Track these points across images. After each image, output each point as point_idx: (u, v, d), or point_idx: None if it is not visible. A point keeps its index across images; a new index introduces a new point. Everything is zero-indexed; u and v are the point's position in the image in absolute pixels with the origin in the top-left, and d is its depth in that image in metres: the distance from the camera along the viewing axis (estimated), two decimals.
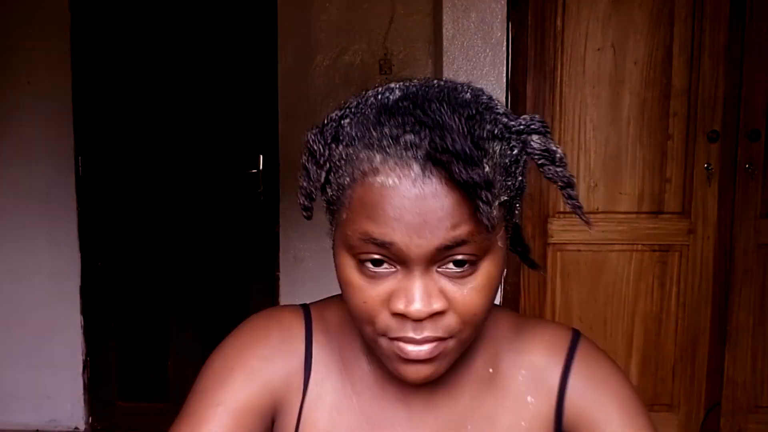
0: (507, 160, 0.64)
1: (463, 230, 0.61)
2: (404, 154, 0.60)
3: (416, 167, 0.60)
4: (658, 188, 2.80)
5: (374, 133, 0.62)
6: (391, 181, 0.61)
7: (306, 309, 0.81)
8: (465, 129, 0.60)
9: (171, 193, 3.05)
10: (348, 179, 0.64)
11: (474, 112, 0.62)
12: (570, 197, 0.66)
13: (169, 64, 3.01)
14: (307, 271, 3.02)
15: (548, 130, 0.67)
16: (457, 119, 0.60)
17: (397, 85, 0.67)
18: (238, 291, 3.10)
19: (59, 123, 3.02)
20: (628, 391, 0.76)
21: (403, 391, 0.75)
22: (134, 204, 3.07)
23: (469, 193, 0.59)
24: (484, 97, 0.67)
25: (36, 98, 3.02)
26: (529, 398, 0.75)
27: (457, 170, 0.58)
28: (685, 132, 2.77)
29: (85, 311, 3.10)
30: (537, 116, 0.67)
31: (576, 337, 0.78)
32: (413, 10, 2.93)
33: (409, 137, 0.60)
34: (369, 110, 0.65)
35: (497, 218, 0.63)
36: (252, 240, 3.07)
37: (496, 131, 0.63)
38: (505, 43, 2.68)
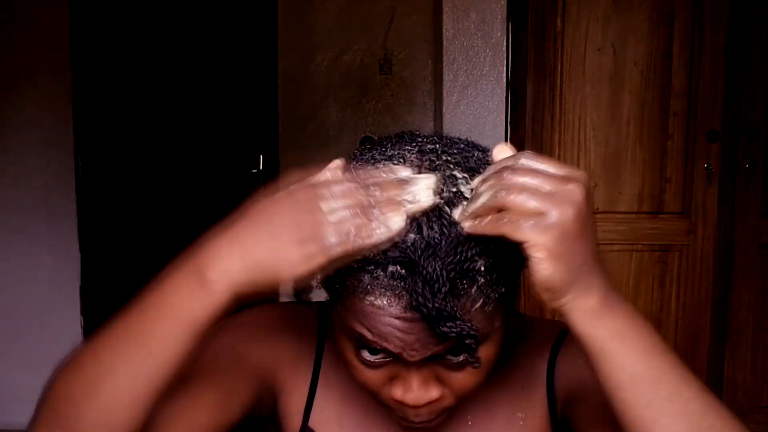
0: (507, 270, 0.61)
1: (451, 343, 0.61)
2: (392, 283, 0.59)
3: (406, 297, 0.58)
4: (658, 188, 2.80)
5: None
6: (380, 303, 0.59)
7: (321, 305, 0.82)
8: (443, 277, 0.56)
9: (171, 193, 3.05)
10: (339, 280, 0.61)
11: (451, 236, 0.58)
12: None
13: (169, 64, 3.01)
14: None
15: None
16: (434, 263, 0.56)
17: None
18: None
19: (59, 123, 3.02)
20: None
21: None
22: (134, 204, 3.07)
23: (446, 339, 0.59)
24: (477, 170, 0.62)
25: (36, 98, 3.01)
26: (522, 388, 0.77)
27: (436, 328, 0.57)
28: (685, 132, 2.77)
29: (85, 311, 3.09)
30: None
31: (565, 331, 0.79)
32: (413, 10, 2.93)
33: (394, 268, 0.58)
34: None
35: (491, 314, 0.62)
36: None
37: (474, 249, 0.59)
38: (505, 43, 2.68)
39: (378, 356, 0.64)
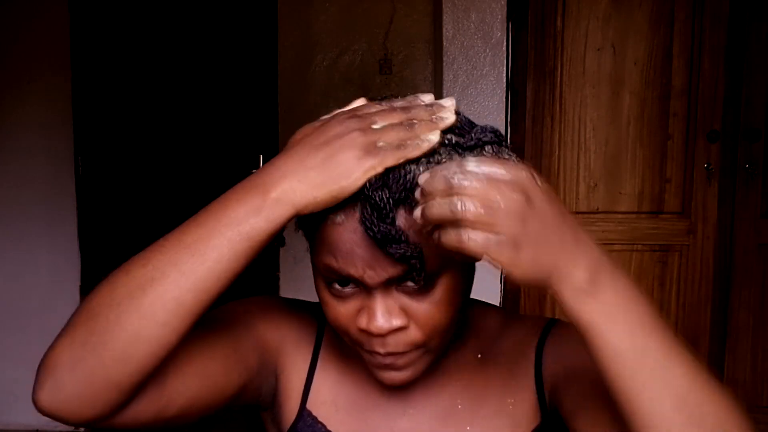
0: None
1: (404, 267, 0.65)
2: (352, 209, 0.65)
3: (360, 209, 0.64)
4: (658, 188, 2.80)
5: None
6: (339, 219, 0.65)
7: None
8: (392, 208, 0.63)
9: (171, 193, 3.06)
10: (310, 220, 0.68)
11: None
12: None
13: (169, 65, 3.01)
14: (307, 271, 2.98)
15: (501, 138, 0.68)
16: (381, 194, 0.62)
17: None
18: (238, 291, 3.09)
19: (59, 123, 3.02)
20: None
21: None
22: (134, 204, 3.07)
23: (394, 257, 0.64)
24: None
25: (36, 98, 3.02)
26: (511, 375, 0.80)
27: (385, 251, 0.63)
28: (685, 132, 2.77)
29: None
30: (490, 126, 0.68)
31: (552, 322, 0.82)
32: (413, 10, 2.93)
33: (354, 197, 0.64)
34: None
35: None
36: None
37: (438, 158, 0.64)
38: (505, 43, 2.68)
39: (347, 287, 0.69)
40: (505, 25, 2.68)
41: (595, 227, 2.79)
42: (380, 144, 0.63)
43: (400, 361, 0.71)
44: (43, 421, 3.38)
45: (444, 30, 2.68)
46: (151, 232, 2.85)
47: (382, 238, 0.63)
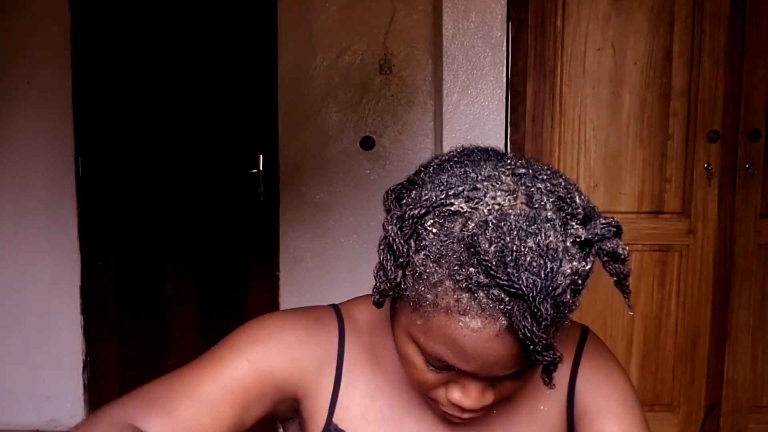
0: (580, 281, 0.64)
1: (525, 362, 0.66)
2: (492, 305, 0.61)
3: (503, 321, 0.61)
4: (658, 188, 2.80)
5: (462, 271, 0.61)
6: (475, 325, 0.62)
7: (336, 308, 0.85)
8: (548, 311, 0.60)
9: (171, 193, 3.05)
10: (430, 297, 0.64)
11: (560, 252, 0.62)
12: (623, 288, 0.68)
13: (169, 64, 3.01)
14: (307, 271, 3.01)
15: (621, 232, 0.67)
16: (542, 298, 0.60)
17: (477, 182, 0.65)
18: (238, 291, 3.10)
19: (59, 123, 3.02)
20: (628, 388, 0.82)
21: None
22: (134, 204, 3.07)
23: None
24: (565, 199, 0.65)
25: (36, 98, 3.01)
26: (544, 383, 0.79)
27: (533, 355, 0.62)
28: (685, 132, 2.77)
29: (85, 311, 3.10)
30: (613, 220, 0.66)
31: (585, 333, 0.85)
32: (413, 10, 2.93)
33: (497, 292, 0.61)
34: (452, 228, 0.63)
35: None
36: (252, 240, 3.07)
37: (574, 268, 0.63)
38: (505, 43, 2.68)
39: (443, 363, 0.67)
40: (505, 25, 2.68)
41: None
42: None
43: (471, 421, 0.73)
44: (43, 421, 3.39)
45: (444, 30, 2.67)
46: (151, 231, 2.87)
47: (542, 348, 0.61)
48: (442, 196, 0.64)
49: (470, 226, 0.62)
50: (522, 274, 0.60)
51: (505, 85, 2.70)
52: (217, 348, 0.79)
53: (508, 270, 0.60)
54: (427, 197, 0.64)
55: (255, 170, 3.02)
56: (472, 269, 0.61)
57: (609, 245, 0.65)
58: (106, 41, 3.02)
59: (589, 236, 0.64)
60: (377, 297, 0.68)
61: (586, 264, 0.64)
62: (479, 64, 2.69)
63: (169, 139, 3.04)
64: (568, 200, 0.64)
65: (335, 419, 0.79)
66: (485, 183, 0.64)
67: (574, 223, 0.64)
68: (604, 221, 0.65)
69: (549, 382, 0.64)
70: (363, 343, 0.82)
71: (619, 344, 2.84)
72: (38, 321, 3.08)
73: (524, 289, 0.59)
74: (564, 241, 0.62)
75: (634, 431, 0.79)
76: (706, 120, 2.75)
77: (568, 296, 0.62)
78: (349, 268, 2.98)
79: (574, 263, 0.63)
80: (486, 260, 0.60)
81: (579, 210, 0.65)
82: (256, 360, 0.77)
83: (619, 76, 2.76)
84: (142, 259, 3.10)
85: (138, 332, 3.13)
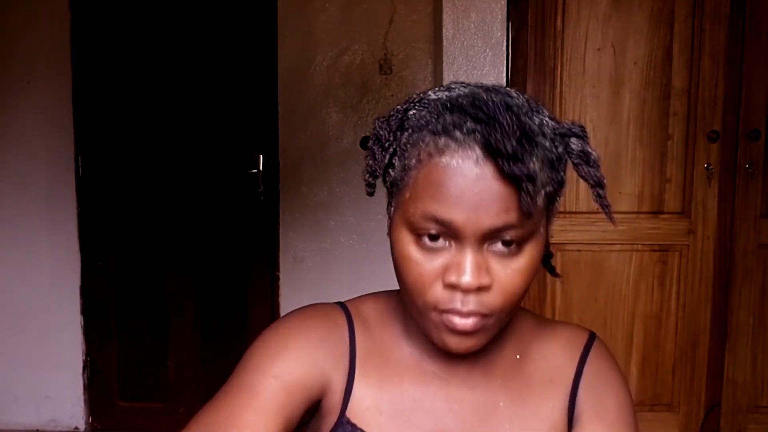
0: (552, 156, 0.72)
1: (512, 215, 0.69)
2: (466, 138, 0.68)
3: (477, 150, 0.68)
4: (658, 188, 2.80)
5: (439, 121, 0.70)
6: (454, 162, 0.68)
7: (342, 305, 0.87)
8: (515, 126, 0.68)
9: (171, 193, 3.05)
10: (414, 161, 0.72)
11: (525, 110, 0.71)
12: (599, 196, 0.76)
13: (169, 64, 3.01)
14: (307, 271, 3.01)
15: (586, 134, 0.76)
16: (509, 116, 0.68)
17: (457, 85, 0.76)
18: (238, 291, 3.10)
19: (59, 123, 3.02)
20: (626, 399, 0.84)
21: (442, 369, 0.82)
22: (134, 204, 3.07)
23: (515, 184, 0.68)
24: (534, 102, 0.75)
25: (36, 98, 3.01)
26: (551, 381, 0.83)
27: (503, 165, 0.67)
28: (685, 132, 2.77)
29: (85, 311, 3.10)
30: (578, 122, 0.75)
31: (591, 338, 0.87)
32: (413, 10, 2.93)
33: (470, 125, 0.68)
34: (432, 104, 0.74)
35: (540, 207, 0.72)
36: (252, 240, 3.07)
37: (543, 130, 0.72)
38: (505, 43, 2.68)
39: (437, 241, 0.71)
40: (505, 25, 2.68)
41: (595, 227, 2.79)
42: None
43: (472, 321, 0.73)
44: (43, 421, 3.39)
45: (444, 30, 2.68)
46: (151, 231, 2.87)
47: (511, 154, 0.66)
48: (423, 94, 0.77)
49: (448, 96, 0.73)
50: (489, 104, 0.69)
51: (505, 85, 2.70)
52: (241, 374, 0.78)
53: (478, 104, 0.69)
54: (410, 98, 0.77)
55: (255, 170, 3.02)
56: (447, 116, 0.70)
57: (577, 143, 0.74)
58: (106, 41, 3.02)
59: (558, 126, 0.73)
60: (368, 177, 0.77)
61: (556, 145, 0.72)
62: (479, 64, 2.69)
63: (169, 139, 3.04)
64: (540, 106, 0.75)
65: (348, 413, 0.80)
66: (462, 87, 0.75)
67: (544, 117, 0.74)
68: (570, 122, 0.75)
69: (527, 204, 0.68)
70: (372, 336, 0.84)
71: (619, 344, 2.84)
72: (38, 321, 3.08)
73: (491, 109, 0.68)
74: (532, 119, 0.72)
75: None
76: (706, 120, 2.75)
77: (536, 127, 0.70)
78: (349, 268, 2.99)
79: (546, 121, 0.73)
80: (459, 104, 0.70)
81: (547, 112, 0.74)
82: (281, 375, 0.77)
83: (619, 76, 2.77)
84: (142, 259, 3.10)
85: (138, 332, 3.13)
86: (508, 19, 2.68)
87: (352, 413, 0.80)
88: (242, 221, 3.06)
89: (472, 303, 0.72)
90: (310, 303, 0.87)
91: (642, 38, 2.75)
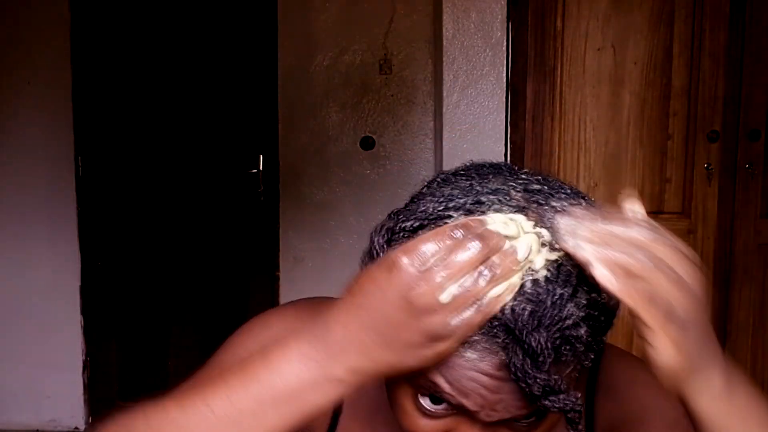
0: (596, 313, 0.57)
1: (533, 407, 0.57)
2: (491, 340, 0.55)
3: (502, 355, 0.54)
4: (658, 188, 2.80)
5: None
6: (471, 356, 0.55)
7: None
8: (546, 351, 0.53)
9: (171, 193, 3.05)
10: None
11: (567, 296, 0.55)
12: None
13: (169, 64, 3.01)
14: (307, 271, 3.01)
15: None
16: (538, 335, 0.53)
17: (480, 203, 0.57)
18: (238, 291, 3.10)
19: (59, 123, 3.02)
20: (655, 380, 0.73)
21: None
22: (134, 204, 3.07)
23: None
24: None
25: (36, 98, 3.01)
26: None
27: (537, 401, 0.55)
28: (685, 132, 2.77)
29: (85, 311, 3.09)
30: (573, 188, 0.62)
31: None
32: (413, 10, 2.93)
33: (492, 322, 0.54)
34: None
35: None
36: (252, 240, 3.07)
37: (587, 325, 0.56)
38: (505, 43, 2.68)
39: (440, 406, 0.59)
40: (505, 25, 2.67)
41: None
42: (453, 320, 0.52)
43: None
44: (43, 421, 3.38)
45: (444, 30, 2.67)
46: (151, 231, 2.88)
47: (542, 392, 0.53)
48: (440, 208, 0.57)
49: None
50: (519, 316, 0.53)
51: (505, 85, 2.70)
52: (219, 352, 0.75)
53: (505, 314, 0.53)
54: (423, 209, 0.58)
55: (255, 170, 3.02)
56: None
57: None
58: (106, 41, 3.02)
59: (601, 300, 0.57)
60: None
61: (601, 296, 0.57)
62: (479, 64, 2.69)
63: (169, 139, 3.04)
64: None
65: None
66: (491, 197, 0.57)
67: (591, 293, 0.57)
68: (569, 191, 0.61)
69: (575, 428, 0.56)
70: None
71: (619, 344, 2.82)
72: (38, 321, 3.08)
73: (511, 318, 0.53)
74: (572, 313, 0.55)
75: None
76: (706, 120, 2.75)
77: (578, 331, 0.54)
78: (349, 268, 2.97)
79: (585, 294, 0.56)
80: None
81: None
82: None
83: (619, 76, 2.76)
84: (142, 259, 3.10)
85: (138, 332, 3.13)
86: (508, 19, 2.68)
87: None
88: (242, 221, 3.06)
89: None
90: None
91: (642, 38, 2.75)
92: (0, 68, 3.01)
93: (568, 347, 0.55)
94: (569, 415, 0.55)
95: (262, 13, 2.97)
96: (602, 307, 0.57)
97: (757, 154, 2.76)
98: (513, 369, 0.53)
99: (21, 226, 3.06)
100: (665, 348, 0.55)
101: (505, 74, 2.69)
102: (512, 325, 0.53)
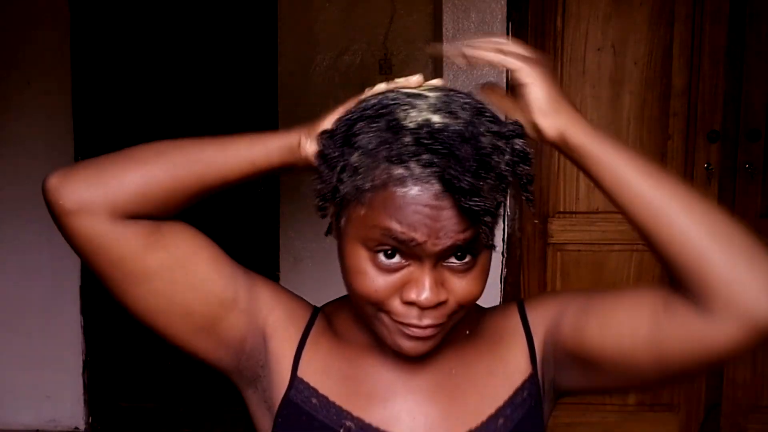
0: (503, 168, 0.71)
1: (469, 233, 0.70)
2: (423, 171, 0.68)
3: (436, 185, 0.68)
4: None
5: (393, 147, 0.69)
6: (414, 192, 0.68)
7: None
8: (472, 159, 0.68)
9: None
10: (368, 184, 0.70)
11: (475, 124, 0.71)
12: (528, 195, 0.76)
13: (169, 64, 3.02)
14: (307, 271, 3.01)
15: (524, 131, 0.76)
16: (465, 147, 0.68)
17: (397, 94, 0.74)
18: None
19: (59, 123, 3.02)
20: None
21: (395, 352, 0.82)
22: None
23: (473, 219, 0.69)
24: (475, 101, 0.75)
25: (36, 98, 3.01)
26: (500, 338, 0.86)
27: (462, 201, 0.67)
28: (685, 132, 2.77)
29: (85, 311, 3.10)
30: (516, 120, 0.76)
31: (520, 301, 0.90)
32: (413, 10, 2.93)
33: (427, 156, 0.68)
34: (379, 120, 0.71)
35: (495, 224, 0.72)
36: (252, 240, 3.08)
37: (495, 143, 0.71)
38: None
39: (394, 260, 0.72)
40: (505, 25, 2.68)
41: (595, 227, 2.79)
42: None
43: (429, 331, 0.74)
44: (43, 421, 3.37)
45: (444, 30, 2.68)
46: None
47: (469, 189, 0.66)
48: (364, 103, 0.75)
49: (393, 116, 0.71)
50: (443, 133, 0.68)
51: (505, 85, 2.70)
52: None
53: (434, 133, 0.68)
54: (356, 108, 0.75)
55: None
56: (401, 146, 0.68)
57: (520, 143, 0.73)
58: (105, 42, 3.03)
59: (504, 131, 0.73)
60: (318, 201, 0.78)
61: (504, 154, 0.71)
62: (479, 64, 2.68)
63: (168, 139, 3.04)
64: (482, 106, 0.74)
65: (299, 372, 0.82)
66: (404, 96, 0.74)
67: (489, 122, 0.72)
68: (510, 121, 0.75)
69: (488, 239, 0.71)
70: (329, 324, 0.86)
71: None
72: (38, 321, 3.08)
73: (447, 139, 0.68)
74: (477, 121, 0.71)
75: (582, 293, 0.84)
76: (706, 120, 2.75)
77: (490, 149, 0.69)
78: None
79: (491, 127, 0.72)
80: (413, 130, 0.69)
81: (489, 112, 0.74)
82: (245, 268, 0.85)
83: (619, 76, 2.77)
84: None
85: (138, 332, 3.12)
86: (508, 19, 2.68)
87: (302, 372, 0.83)
88: (242, 221, 3.07)
89: (429, 317, 0.74)
90: (301, 298, 0.90)
91: (642, 38, 2.75)
92: (0, 68, 3.01)
93: (487, 164, 0.69)
94: (485, 219, 0.69)
95: (262, 13, 2.97)
96: (502, 131, 0.72)
97: (757, 154, 2.76)
98: (447, 176, 0.67)
99: (21, 227, 3.06)
100: (533, 80, 0.74)
101: (505, 74, 2.69)
102: (447, 142, 0.67)
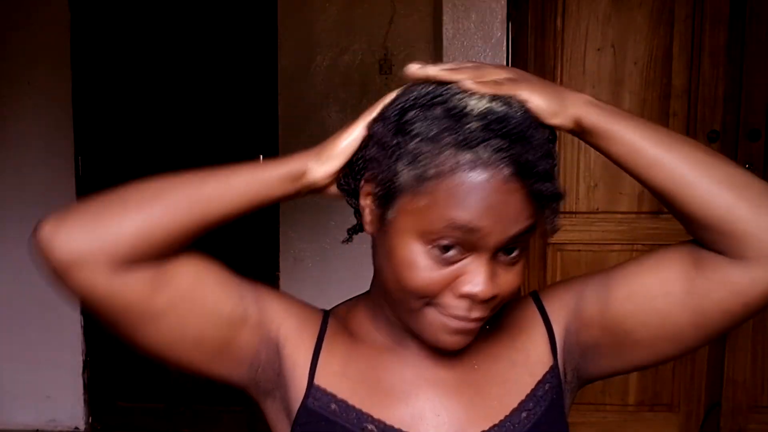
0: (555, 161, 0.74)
1: (531, 221, 0.71)
2: (493, 156, 0.68)
3: (506, 170, 0.68)
4: None
5: (460, 133, 0.69)
6: (483, 178, 0.68)
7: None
8: (543, 144, 0.70)
9: None
10: (432, 171, 0.69)
11: (533, 119, 0.72)
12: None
13: (169, 65, 3.01)
14: (307, 271, 3.01)
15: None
16: (534, 132, 0.70)
17: (449, 86, 0.73)
18: None
19: (59, 123, 3.02)
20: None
21: (411, 349, 0.83)
22: None
23: (541, 202, 0.71)
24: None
25: (36, 98, 3.02)
26: (520, 330, 0.86)
27: (537, 186, 0.69)
28: (685, 132, 2.77)
29: (85, 311, 3.10)
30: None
31: (535, 292, 0.90)
32: (413, 10, 2.93)
33: (497, 141, 0.68)
34: (435, 108, 0.71)
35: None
36: (252, 240, 3.07)
37: (547, 134, 0.73)
38: (505, 43, 2.68)
39: (450, 252, 0.71)
40: (505, 25, 2.68)
41: (595, 227, 2.79)
42: None
43: (474, 324, 0.75)
44: (43, 421, 3.37)
45: (444, 30, 2.68)
46: None
47: (544, 173, 0.68)
48: (419, 93, 0.74)
49: (452, 104, 0.70)
50: (512, 120, 0.69)
51: None
52: None
53: (501, 119, 0.69)
54: (405, 97, 0.75)
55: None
56: (469, 131, 0.68)
57: (552, 139, 0.75)
58: (105, 41, 3.03)
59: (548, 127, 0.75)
60: (378, 192, 0.74)
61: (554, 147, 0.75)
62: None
63: (168, 139, 3.04)
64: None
65: (316, 380, 0.81)
66: (453, 86, 0.73)
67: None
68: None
69: (552, 225, 0.72)
70: (343, 326, 0.86)
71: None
72: (38, 321, 3.08)
73: (516, 125, 0.69)
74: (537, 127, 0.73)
75: (596, 276, 0.84)
76: (706, 120, 2.75)
77: (549, 136, 0.73)
78: (349, 268, 2.98)
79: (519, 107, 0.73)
80: (477, 117, 0.69)
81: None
82: (250, 280, 0.87)
83: (619, 76, 2.77)
84: None
85: None
86: (508, 19, 2.68)
87: (319, 377, 0.81)
88: (242, 221, 3.06)
89: (479, 310, 0.74)
90: (310, 303, 0.89)
91: (642, 38, 2.75)
92: (0, 68, 3.01)
93: (551, 143, 0.73)
94: (556, 202, 0.71)
95: (262, 13, 2.97)
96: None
97: (757, 154, 2.76)
98: (522, 161, 0.67)
99: (21, 226, 3.04)
100: (529, 94, 0.72)
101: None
102: (520, 127, 0.69)
